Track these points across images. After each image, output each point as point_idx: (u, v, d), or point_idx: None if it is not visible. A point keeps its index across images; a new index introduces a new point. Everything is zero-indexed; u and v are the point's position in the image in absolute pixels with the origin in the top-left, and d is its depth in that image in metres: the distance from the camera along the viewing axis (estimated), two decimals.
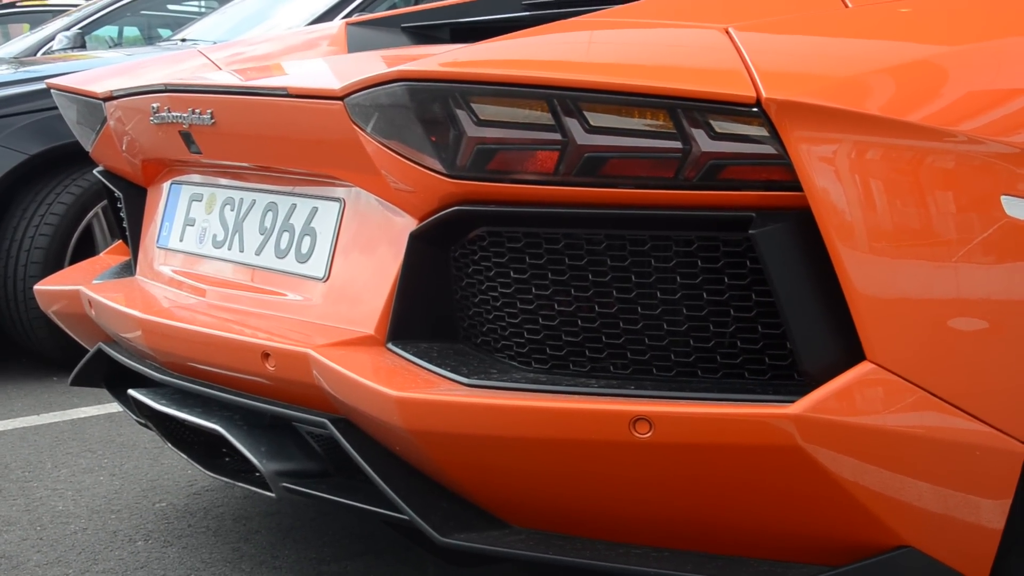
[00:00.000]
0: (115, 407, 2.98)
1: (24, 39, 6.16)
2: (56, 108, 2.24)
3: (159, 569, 1.98)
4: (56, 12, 7.75)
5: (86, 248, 3.41)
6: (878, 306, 1.20)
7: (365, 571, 1.93)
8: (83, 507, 2.30)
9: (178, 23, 6.64)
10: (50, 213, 3.38)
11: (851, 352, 1.20)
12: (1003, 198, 1.23)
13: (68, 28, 5.78)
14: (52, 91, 2.18)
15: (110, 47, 6.63)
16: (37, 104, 3.40)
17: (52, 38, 5.66)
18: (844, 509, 1.21)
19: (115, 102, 1.93)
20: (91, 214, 3.44)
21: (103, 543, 2.11)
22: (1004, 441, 1.24)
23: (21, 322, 3.41)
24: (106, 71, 2.11)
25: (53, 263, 3.35)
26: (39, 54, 5.62)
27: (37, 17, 8.37)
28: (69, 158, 3.39)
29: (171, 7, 7.10)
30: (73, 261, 3.34)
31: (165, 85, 1.76)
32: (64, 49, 5.23)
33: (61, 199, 3.40)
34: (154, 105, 1.78)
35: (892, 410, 1.20)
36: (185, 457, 1.74)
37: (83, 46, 5.39)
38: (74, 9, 6.74)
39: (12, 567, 2.02)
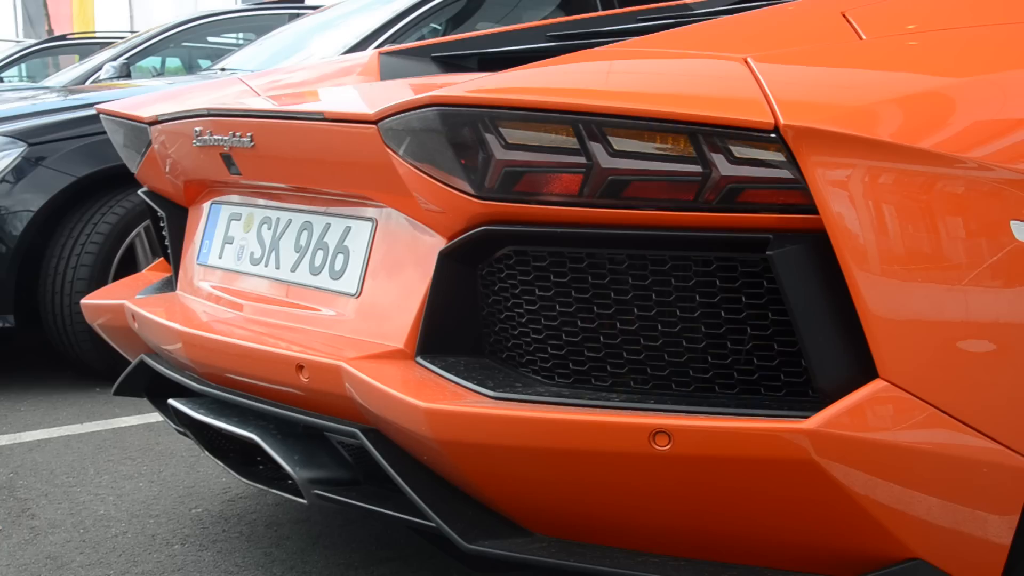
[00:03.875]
0: (154, 417, 3.04)
1: (74, 69, 6.30)
2: (102, 133, 2.31)
3: (195, 572, 2.02)
4: (104, 44, 7.92)
5: (129, 266, 3.49)
6: (890, 326, 1.22)
7: None
8: (123, 511, 2.35)
9: (217, 54, 6.76)
10: (95, 232, 3.48)
11: (864, 370, 1.22)
12: (1012, 223, 1.25)
13: (115, 58, 5.91)
14: (101, 115, 2.24)
15: (153, 76, 6.77)
16: (85, 129, 3.49)
17: (100, 68, 5.81)
18: (856, 521, 1.23)
19: (160, 126, 1.98)
20: (134, 233, 3.53)
21: (142, 546, 2.16)
22: (1012, 458, 1.26)
23: (67, 335, 3.50)
24: (152, 97, 2.16)
25: (98, 279, 3.43)
26: (87, 83, 5.76)
27: (86, 49, 8.56)
28: (114, 180, 3.49)
29: (211, 39, 7.23)
30: (116, 278, 3.42)
31: (208, 110, 1.80)
32: (111, 78, 5.36)
33: (106, 219, 3.49)
34: (197, 129, 1.83)
35: (903, 426, 1.21)
36: (221, 464, 1.78)
37: (128, 75, 5.52)
38: (120, 41, 6.89)
39: (57, 567, 2.08)
